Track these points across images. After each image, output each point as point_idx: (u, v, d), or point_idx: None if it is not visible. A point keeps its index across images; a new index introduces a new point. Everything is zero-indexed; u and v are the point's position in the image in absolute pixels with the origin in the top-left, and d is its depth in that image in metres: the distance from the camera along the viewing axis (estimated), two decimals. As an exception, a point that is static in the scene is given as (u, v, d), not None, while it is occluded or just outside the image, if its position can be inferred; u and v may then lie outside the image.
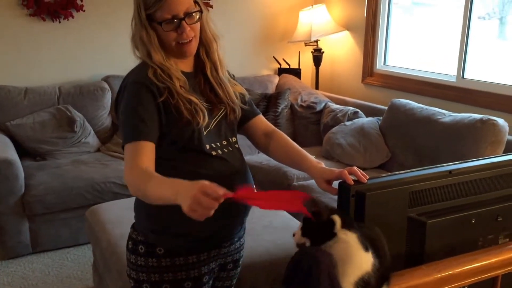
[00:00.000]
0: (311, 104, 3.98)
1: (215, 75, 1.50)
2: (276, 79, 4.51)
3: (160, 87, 1.38)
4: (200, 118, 1.40)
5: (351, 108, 3.70)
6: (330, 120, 3.71)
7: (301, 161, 1.47)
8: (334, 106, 3.86)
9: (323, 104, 3.94)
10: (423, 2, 4.10)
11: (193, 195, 1.09)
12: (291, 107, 4.07)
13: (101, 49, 3.89)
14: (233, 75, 1.63)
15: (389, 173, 1.34)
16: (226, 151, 1.48)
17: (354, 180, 1.27)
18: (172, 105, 1.39)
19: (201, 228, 1.37)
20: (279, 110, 3.99)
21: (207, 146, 1.44)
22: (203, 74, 1.50)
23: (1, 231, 3.01)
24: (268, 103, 4.04)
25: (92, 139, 3.67)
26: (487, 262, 1.19)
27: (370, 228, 1.16)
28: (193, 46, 1.44)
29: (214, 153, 1.44)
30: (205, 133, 1.44)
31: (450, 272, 1.14)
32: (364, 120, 3.52)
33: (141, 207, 1.48)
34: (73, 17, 3.77)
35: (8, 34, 3.64)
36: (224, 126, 1.51)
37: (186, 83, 1.43)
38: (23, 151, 3.41)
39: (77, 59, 3.89)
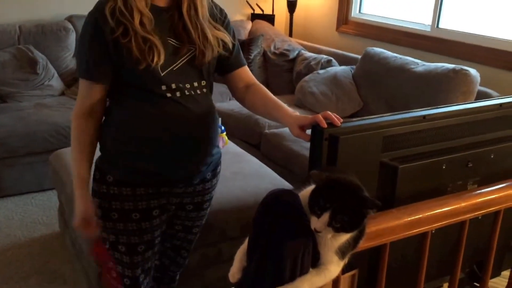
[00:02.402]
0: (285, 51, 3.90)
1: (193, 14, 1.40)
2: (249, 25, 4.38)
3: (112, 25, 1.31)
4: (153, 58, 1.33)
5: (325, 56, 3.64)
6: (303, 68, 3.65)
7: (276, 111, 1.42)
8: (308, 54, 3.79)
9: (297, 52, 3.86)
10: None
11: (77, 224, 1.46)
12: (264, 54, 3.98)
13: (65, -15, 3.67)
14: (226, 14, 1.52)
15: (364, 117, 1.31)
16: (188, 94, 1.41)
17: (328, 124, 1.23)
18: (123, 44, 1.32)
19: (147, 164, 1.41)
20: (252, 57, 3.89)
21: (163, 87, 1.38)
22: (179, 11, 1.41)
23: (-39, 175, 2.91)
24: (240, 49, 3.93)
25: (56, 82, 3.52)
26: (456, 206, 1.19)
27: (347, 173, 1.13)
28: None
29: (169, 94, 1.38)
30: (163, 74, 1.37)
31: (420, 216, 1.14)
32: (337, 68, 3.47)
33: (102, 135, 1.48)
34: (33, -52, 3.53)
35: (-38, -34, 3.38)
36: (191, 68, 1.43)
37: (151, 20, 1.34)
38: (-18, 93, 3.26)
39: (39, -4, 3.67)
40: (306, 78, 3.50)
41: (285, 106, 1.42)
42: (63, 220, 2.54)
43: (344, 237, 0.95)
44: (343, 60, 3.64)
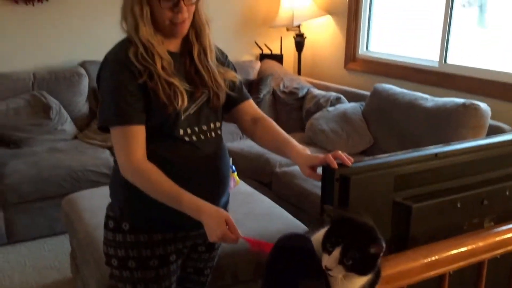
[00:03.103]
0: (294, 90, 3.93)
1: (203, 58, 1.46)
2: (257, 64, 4.44)
3: (140, 69, 1.34)
4: (178, 103, 1.37)
5: (334, 93, 3.67)
6: (313, 106, 3.67)
7: (286, 147, 1.43)
8: (317, 91, 3.82)
9: (306, 90, 3.89)
10: None
11: (221, 234, 1.26)
12: (273, 93, 4.02)
13: (78, 33, 3.77)
14: (226, 55, 1.58)
15: (374, 157, 1.30)
16: (203, 137, 1.44)
17: (338, 164, 1.23)
18: (150, 88, 1.35)
19: (163, 210, 1.38)
20: (261, 96, 3.93)
21: (181, 132, 1.41)
22: (190, 56, 1.46)
23: (-26, 221, 2.92)
24: (250, 89, 3.97)
25: (69, 126, 3.57)
26: (473, 246, 1.17)
27: (360, 215, 1.11)
28: (186, 27, 1.40)
29: (187, 138, 1.41)
30: (183, 117, 1.40)
31: (436, 257, 1.11)
32: (346, 105, 3.48)
33: (113, 183, 1.49)
34: (47, 0, 3.64)
35: (-21, 17, 3.50)
36: (206, 111, 1.47)
37: (171, 64, 1.39)
38: (-3, 139, 3.31)
39: (53, 43, 3.76)
40: (316, 115, 3.51)
41: (295, 142, 1.42)
42: (75, 265, 2.52)
43: (359, 282, 0.93)
44: (352, 97, 3.65)
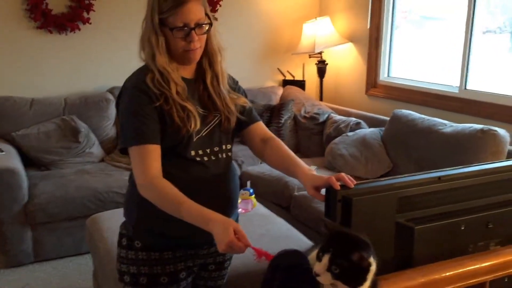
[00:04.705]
0: (314, 115, 3.99)
1: (216, 84, 1.54)
2: (280, 90, 4.53)
3: (156, 93, 1.43)
4: (191, 126, 1.44)
5: (354, 119, 3.71)
6: (333, 131, 3.72)
7: (293, 167, 1.49)
8: (337, 117, 3.87)
9: (326, 115, 3.95)
10: (433, 16, 4.08)
11: (228, 241, 1.25)
12: (295, 118, 4.09)
13: (107, 61, 3.95)
14: (237, 81, 1.66)
15: (378, 179, 1.34)
16: (214, 158, 1.52)
17: (341, 186, 1.28)
18: (165, 111, 1.44)
19: (174, 228, 1.44)
20: (282, 121, 4.00)
21: (192, 153, 1.48)
22: (203, 82, 1.54)
23: (3, 239, 3.04)
24: (272, 114, 4.06)
25: (97, 150, 3.71)
26: (473, 267, 1.18)
27: (362, 235, 1.16)
28: (198, 54, 1.49)
29: (198, 159, 1.49)
30: (195, 139, 1.48)
31: (436, 277, 1.14)
32: (366, 131, 3.52)
33: (127, 202, 1.56)
34: (79, 29, 3.84)
35: (16, 46, 3.71)
36: (218, 133, 1.54)
37: (184, 89, 1.47)
38: (29, 161, 3.46)
39: (83, 70, 3.95)
40: (336, 140, 3.55)
41: (302, 163, 1.48)
42: (97, 284, 2.60)
43: (352, 297, 0.96)
44: (372, 123, 3.69)
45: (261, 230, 2.40)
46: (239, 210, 2.60)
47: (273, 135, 1.64)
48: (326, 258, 0.93)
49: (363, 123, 3.65)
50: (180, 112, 1.44)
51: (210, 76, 1.52)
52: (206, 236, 1.51)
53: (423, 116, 3.22)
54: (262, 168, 3.41)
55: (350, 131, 3.59)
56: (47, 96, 3.77)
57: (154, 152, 1.43)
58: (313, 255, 1.01)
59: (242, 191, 2.66)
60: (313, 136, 3.94)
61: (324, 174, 1.43)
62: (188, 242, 1.53)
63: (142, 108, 1.42)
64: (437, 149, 2.96)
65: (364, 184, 1.30)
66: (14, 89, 3.70)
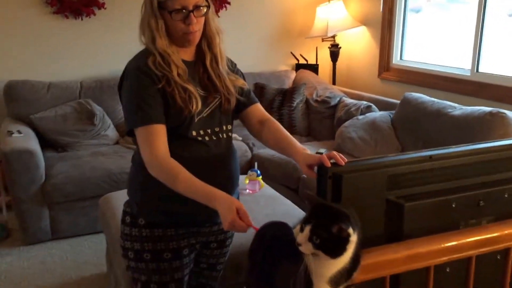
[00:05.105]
0: (326, 98, 4.01)
1: (215, 66, 1.59)
2: (293, 74, 4.55)
3: (158, 75, 1.47)
4: (192, 106, 1.49)
5: (365, 102, 3.72)
6: (344, 114, 3.73)
7: (288, 147, 1.53)
8: (349, 100, 3.88)
9: (338, 99, 3.96)
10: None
11: (231, 220, 1.31)
12: (306, 101, 4.11)
13: (121, 45, 4.01)
14: (235, 64, 1.70)
15: (368, 157, 1.38)
16: (215, 138, 1.57)
17: (333, 163, 1.32)
18: (168, 93, 1.48)
19: (176, 205, 1.49)
20: (294, 105, 4.03)
21: (194, 133, 1.53)
22: (203, 64, 1.59)
23: (22, 218, 3.17)
24: (284, 97, 4.09)
25: (111, 132, 3.80)
26: (459, 242, 1.21)
27: (347, 209, 1.20)
28: (197, 37, 1.53)
29: (200, 138, 1.53)
30: (196, 120, 1.52)
31: (420, 250, 1.17)
32: (376, 114, 3.53)
33: (131, 181, 1.62)
34: (94, 14, 3.92)
35: (33, 31, 3.81)
36: (218, 114, 1.59)
37: (185, 71, 1.52)
38: (47, 143, 3.57)
39: (98, 55, 4.04)
40: (346, 123, 3.57)
41: (297, 143, 1.52)
42: (109, 261, 2.70)
43: (332, 266, 1.01)
44: (384, 106, 3.69)
45: (267, 210, 2.46)
46: (247, 191, 2.67)
47: (270, 116, 1.68)
48: (307, 229, 0.98)
49: (373, 106, 3.66)
50: (182, 94, 1.48)
51: (209, 58, 1.56)
52: (208, 214, 1.57)
53: (433, 99, 3.22)
54: (272, 151, 3.44)
55: (361, 114, 3.60)
56: (64, 80, 3.86)
57: (160, 131, 1.47)
58: (297, 228, 1.06)
59: (249, 172, 2.72)
60: (324, 120, 3.96)
61: (307, 150, 1.47)
62: (191, 219, 1.59)
63: (146, 89, 1.47)
64: (446, 131, 2.96)
65: (354, 162, 1.34)
66: (32, 73, 3.80)
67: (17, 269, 2.94)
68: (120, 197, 2.65)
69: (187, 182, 1.42)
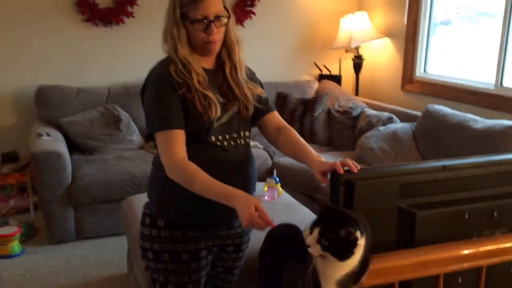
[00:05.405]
0: (348, 109, 4.03)
1: (234, 75, 1.64)
2: (315, 84, 4.59)
3: (179, 82, 1.53)
4: (212, 112, 1.55)
5: (386, 113, 3.73)
6: (365, 125, 3.75)
7: (303, 154, 1.58)
8: (370, 111, 3.89)
9: (360, 110, 3.98)
10: (488, 12, 3.97)
11: (250, 217, 1.32)
12: (328, 111, 4.14)
13: (148, 53, 4.07)
14: (254, 73, 1.76)
15: (382, 166, 1.41)
16: (233, 143, 1.62)
17: (345, 170, 1.35)
18: (188, 99, 1.54)
19: (195, 208, 1.54)
20: (316, 115, 4.06)
21: (213, 138, 1.58)
22: (223, 72, 1.64)
23: (49, 218, 3.27)
24: (305, 107, 4.13)
25: (136, 137, 3.90)
26: (469, 251, 1.23)
27: (356, 213, 1.23)
28: (217, 46, 1.59)
29: (218, 143, 1.59)
30: (216, 125, 1.58)
31: (429, 258, 1.19)
32: (397, 125, 3.53)
33: (150, 184, 1.67)
34: (123, 23, 4.04)
35: (64, 38, 3.95)
36: (237, 120, 1.64)
37: (205, 79, 1.58)
38: (74, 146, 3.69)
39: (126, 62, 4.15)
40: (367, 134, 3.59)
41: (312, 151, 1.57)
42: (129, 261, 2.78)
43: (341, 268, 1.05)
44: (406, 118, 3.69)
45: (284, 217, 2.46)
46: (265, 197, 2.71)
47: (287, 124, 1.73)
48: (316, 231, 1.02)
49: (395, 118, 3.66)
50: (202, 100, 1.54)
51: (229, 67, 1.62)
52: (225, 217, 1.62)
53: (455, 111, 3.21)
54: (291, 160, 3.48)
55: (382, 125, 3.61)
56: (92, 85, 3.99)
57: (179, 136, 1.53)
58: (307, 230, 1.10)
59: (268, 179, 2.76)
60: (345, 130, 3.98)
61: (322, 158, 1.51)
62: (209, 221, 1.63)
63: (167, 96, 1.53)
64: (468, 144, 2.95)
65: (367, 170, 1.37)
66: (62, 79, 3.94)
67: (42, 267, 3.04)
68: (141, 200, 2.70)
69: (205, 182, 1.46)
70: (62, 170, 3.23)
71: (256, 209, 1.35)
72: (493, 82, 3.42)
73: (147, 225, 1.66)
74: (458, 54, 3.99)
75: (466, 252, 1.23)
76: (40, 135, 3.41)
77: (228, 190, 1.43)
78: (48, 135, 3.44)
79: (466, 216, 1.39)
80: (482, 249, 1.25)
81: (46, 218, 3.29)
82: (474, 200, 1.41)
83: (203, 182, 1.47)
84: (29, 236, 3.37)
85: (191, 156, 1.54)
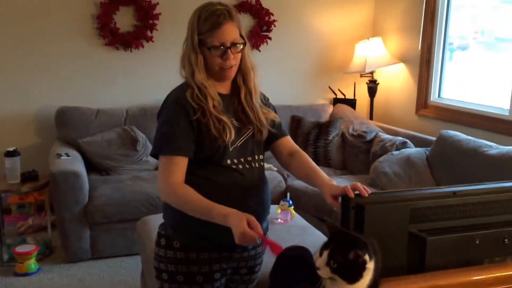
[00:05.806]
0: (362, 133, 4.06)
1: (249, 99, 1.69)
2: (330, 108, 4.63)
3: (194, 107, 1.59)
4: (226, 136, 1.59)
5: (400, 138, 3.74)
6: (379, 149, 3.76)
7: (315, 178, 1.61)
8: (385, 136, 3.91)
9: (374, 134, 4.00)
10: (507, 38, 3.99)
11: (241, 231, 1.38)
12: (342, 135, 4.16)
13: (166, 76, 4.17)
14: (268, 98, 1.80)
15: (392, 190, 1.43)
16: (248, 166, 1.66)
17: (356, 194, 1.38)
18: (203, 123, 1.59)
19: (210, 230, 1.56)
20: (330, 138, 4.09)
21: (228, 161, 1.62)
22: (238, 97, 1.70)
23: (65, 236, 3.33)
24: (320, 131, 4.16)
25: (152, 158, 3.95)
26: (479, 277, 1.24)
27: (366, 237, 1.25)
28: (233, 72, 1.65)
29: (234, 166, 1.63)
30: (231, 149, 1.62)
31: (439, 283, 1.20)
32: (411, 150, 3.54)
33: (166, 204, 1.70)
34: (143, 47, 4.15)
35: (85, 61, 4.07)
36: (251, 144, 1.69)
37: (220, 103, 1.63)
38: (92, 166, 3.76)
39: (144, 84, 4.25)
40: (381, 158, 3.60)
41: (324, 174, 1.60)
42: (143, 282, 2.80)
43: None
44: (420, 143, 3.70)
45: (297, 239, 2.50)
46: (278, 220, 2.73)
47: (299, 148, 1.77)
48: (325, 254, 1.05)
49: (409, 142, 3.68)
50: (217, 124, 1.59)
51: (244, 92, 1.67)
52: None
53: (469, 137, 3.22)
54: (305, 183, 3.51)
55: (396, 150, 3.62)
56: (111, 107, 4.09)
57: (181, 163, 1.58)
58: (318, 252, 1.13)
59: (281, 202, 2.78)
60: (359, 154, 4.00)
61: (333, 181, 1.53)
62: (224, 243, 1.64)
63: (178, 121, 1.58)
64: (482, 170, 2.95)
65: (378, 194, 1.40)
66: (82, 100, 4.04)
67: (57, 285, 3.08)
68: (157, 221, 2.74)
69: (201, 203, 1.51)
70: (80, 190, 3.30)
71: (249, 224, 1.40)
72: (508, 107, 3.42)
73: (163, 246, 1.68)
74: (474, 80, 4.00)
75: (476, 278, 1.24)
76: (59, 155, 3.49)
77: (222, 211, 1.48)
78: (67, 155, 3.52)
79: (477, 242, 1.39)
80: (492, 275, 1.26)
81: (62, 236, 3.35)
82: (485, 226, 1.42)
83: (199, 203, 1.51)
84: (45, 254, 3.43)
85: (207, 178, 1.58)
